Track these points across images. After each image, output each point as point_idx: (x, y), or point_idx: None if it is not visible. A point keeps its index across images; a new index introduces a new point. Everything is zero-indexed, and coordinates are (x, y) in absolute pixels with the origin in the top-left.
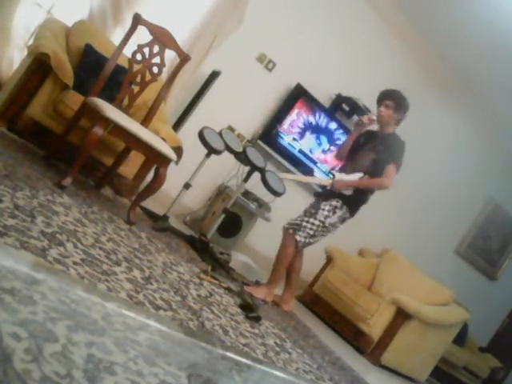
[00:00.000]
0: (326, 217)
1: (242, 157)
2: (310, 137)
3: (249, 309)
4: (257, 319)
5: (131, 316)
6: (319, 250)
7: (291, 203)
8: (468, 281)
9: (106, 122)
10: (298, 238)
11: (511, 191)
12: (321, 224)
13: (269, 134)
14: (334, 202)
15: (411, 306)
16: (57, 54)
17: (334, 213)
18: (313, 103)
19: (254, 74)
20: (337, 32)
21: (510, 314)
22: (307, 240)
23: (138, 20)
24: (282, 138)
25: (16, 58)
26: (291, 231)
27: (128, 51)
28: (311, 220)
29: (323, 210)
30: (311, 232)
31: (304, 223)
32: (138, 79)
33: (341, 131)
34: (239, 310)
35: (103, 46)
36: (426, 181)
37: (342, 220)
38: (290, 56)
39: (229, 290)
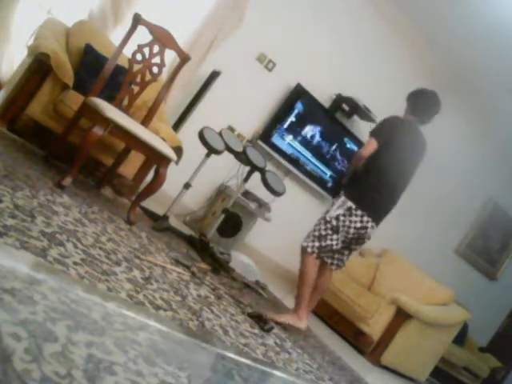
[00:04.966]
0: (327, 211)
1: (242, 157)
2: (309, 136)
3: (262, 321)
4: (271, 329)
5: (131, 316)
6: None
7: (291, 203)
8: (468, 281)
9: (106, 121)
10: (304, 244)
11: (511, 191)
12: (322, 220)
13: (269, 134)
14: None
15: (411, 306)
16: (57, 54)
17: (333, 204)
18: (313, 103)
19: (254, 74)
20: (337, 32)
21: (510, 313)
22: (316, 243)
23: (138, 20)
24: (282, 138)
25: (16, 58)
26: (304, 244)
27: (128, 51)
28: (316, 222)
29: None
30: (316, 233)
31: (311, 229)
32: (138, 79)
33: (341, 131)
34: (239, 310)
35: (103, 46)
36: (426, 181)
37: (347, 210)
38: (290, 56)
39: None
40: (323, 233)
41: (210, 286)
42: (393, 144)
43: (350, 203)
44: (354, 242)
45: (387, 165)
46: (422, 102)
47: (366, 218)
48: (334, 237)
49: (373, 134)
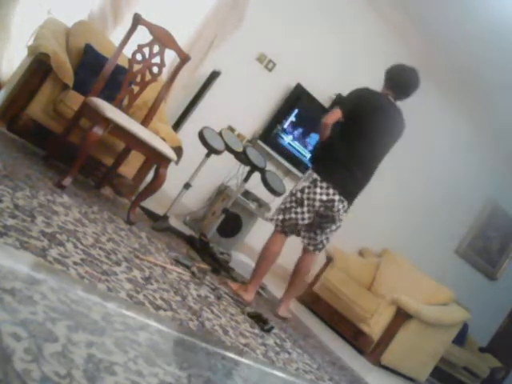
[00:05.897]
0: (295, 185)
1: (242, 157)
2: (309, 136)
3: (262, 321)
4: (271, 329)
5: (131, 316)
6: None
7: None
8: (468, 281)
9: (106, 121)
10: (271, 217)
11: (511, 191)
12: (289, 194)
13: (269, 134)
14: None
15: (411, 306)
16: (57, 54)
17: (301, 178)
18: (313, 103)
19: (254, 74)
20: (337, 32)
21: (510, 313)
22: (280, 217)
23: (138, 20)
24: (282, 138)
25: (16, 58)
26: (270, 217)
27: (128, 51)
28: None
29: None
30: (282, 206)
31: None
32: (138, 79)
33: None
34: (239, 310)
35: (103, 46)
36: (426, 181)
37: (312, 182)
38: (289, 56)
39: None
40: (288, 205)
41: (210, 286)
42: (361, 116)
43: (315, 175)
44: (324, 219)
45: (355, 138)
46: (399, 77)
47: (332, 191)
48: (299, 210)
49: (338, 103)
